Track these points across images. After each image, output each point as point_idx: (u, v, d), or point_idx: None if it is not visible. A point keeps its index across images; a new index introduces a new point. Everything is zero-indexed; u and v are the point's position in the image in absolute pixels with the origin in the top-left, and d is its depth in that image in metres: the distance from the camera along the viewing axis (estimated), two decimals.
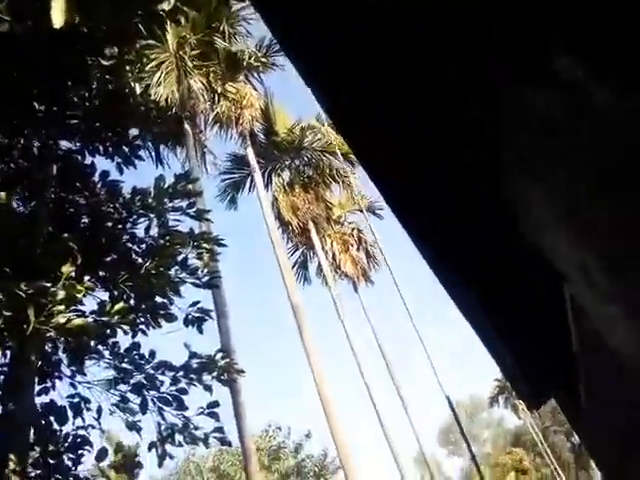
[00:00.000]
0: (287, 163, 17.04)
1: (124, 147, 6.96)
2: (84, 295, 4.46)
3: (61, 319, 4.01)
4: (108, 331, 5.01)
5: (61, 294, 4.15)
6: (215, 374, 6.16)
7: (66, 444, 5.50)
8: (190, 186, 6.99)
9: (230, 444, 6.35)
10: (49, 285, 4.12)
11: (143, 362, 5.88)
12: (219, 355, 6.30)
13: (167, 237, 6.51)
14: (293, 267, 17.13)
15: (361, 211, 19.31)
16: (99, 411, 5.82)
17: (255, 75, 15.36)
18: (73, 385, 6.01)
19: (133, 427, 5.45)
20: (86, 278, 4.57)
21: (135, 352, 5.53)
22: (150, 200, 6.34)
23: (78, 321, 4.19)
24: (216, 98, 13.13)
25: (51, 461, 5.34)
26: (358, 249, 18.31)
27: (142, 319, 5.79)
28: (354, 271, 17.78)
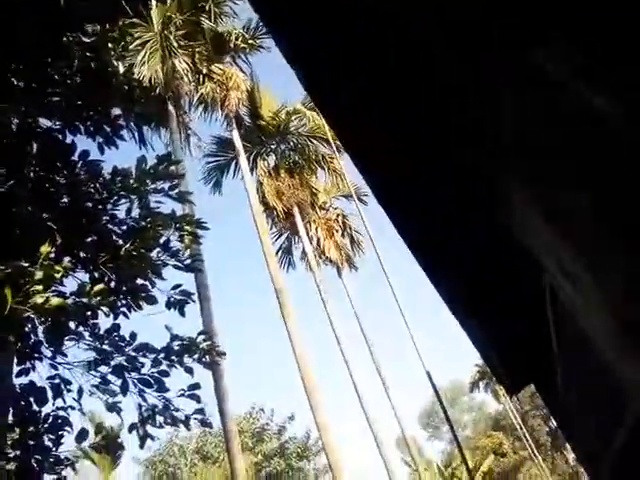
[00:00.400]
0: (273, 147, 16.94)
1: (105, 127, 6.86)
2: (63, 276, 4.41)
3: (39, 299, 3.97)
4: (88, 312, 4.97)
5: (39, 274, 4.10)
6: (196, 356, 6.18)
7: (46, 425, 5.48)
8: (173, 167, 6.92)
9: (211, 426, 6.38)
10: (27, 265, 4.08)
11: (124, 344, 5.86)
12: (201, 337, 6.31)
13: (148, 219, 6.45)
14: (278, 252, 17.14)
15: (346, 197, 19.33)
16: (80, 392, 5.81)
17: (242, 57, 15.20)
18: (53, 366, 5.97)
19: (113, 408, 5.45)
20: (66, 259, 4.53)
21: (115, 334, 5.52)
22: (131, 181, 6.27)
23: (56, 301, 4.15)
24: (201, 79, 12.96)
25: (31, 442, 5.33)
26: (343, 235, 18.35)
27: (123, 301, 5.77)
28: (338, 257, 17.83)
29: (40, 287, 4.02)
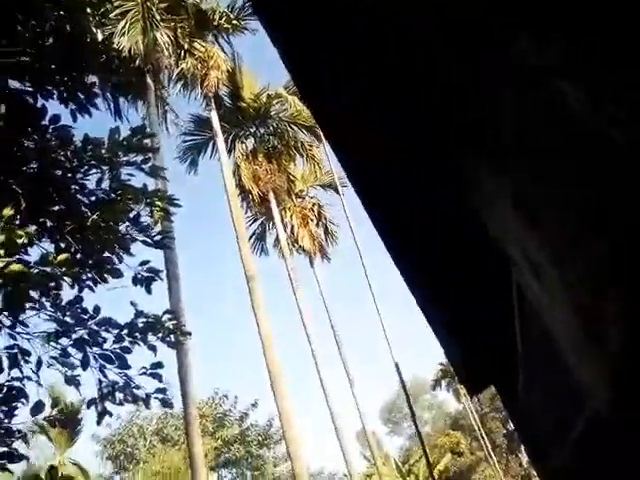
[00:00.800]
0: (252, 130, 16.72)
1: (80, 94, 6.62)
2: (28, 244, 4.22)
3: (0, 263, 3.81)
4: (51, 283, 4.80)
5: (0, 238, 3.93)
6: (161, 335, 6.05)
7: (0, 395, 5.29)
8: (147, 141, 6.74)
9: (172, 406, 6.28)
10: None
11: (86, 317, 5.70)
12: (166, 316, 6.18)
13: (119, 191, 6.27)
14: (251, 237, 16.99)
15: (323, 187, 19.26)
16: (38, 364, 5.63)
17: (224, 37, 14.92)
18: (12, 336, 5.77)
19: (72, 382, 5.29)
20: (33, 228, 4.35)
21: (78, 306, 5.35)
22: (103, 151, 6.08)
23: (17, 267, 3.98)
24: (182, 54, 12.67)
25: None
26: (317, 224, 18.28)
27: (88, 274, 5.59)
28: (311, 246, 17.76)
29: (1, 252, 3.85)
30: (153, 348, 6.11)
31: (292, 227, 17.54)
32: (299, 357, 44.74)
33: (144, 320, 6.08)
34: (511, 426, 43.17)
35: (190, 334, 6.19)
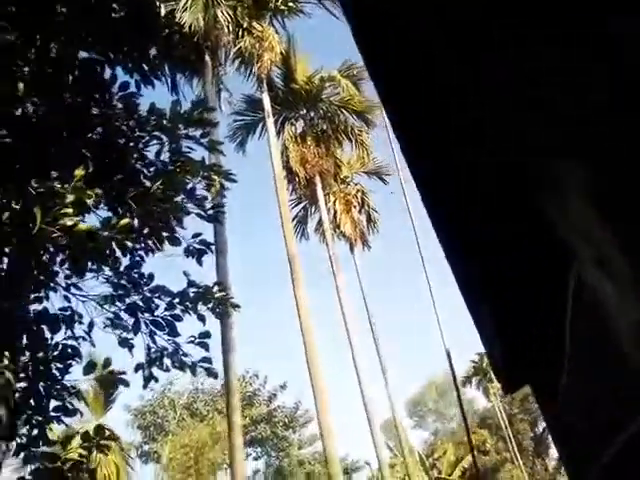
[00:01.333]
0: (302, 113, 16.71)
1: (144, 65, 6.74)
2: (94, 205, 4.34)
3: (68, 222, 3.92)
4: (113, 244, 4.94)
5: (70, 197, 4.05)
6: (211, 305, 6.16)
7: (55, 353, 5.50)
8: (207, 115, 6.83)
9: (216, 375, 6.41)
10: (59, 187, 4.02)
11: (142, 282, 5.85)
12: (216, 288, 6.28)
13: (178, 163, 6.38)
14: (293, 220, 17.05)
15: (368, 174, 19.15)
16: (91, 325, 5.83)
17: (280, 19, 14.91)
18: (67, 298, 5.98)
19: (125, 344, 5.46)
20: (99, 191, 4.47)
21: (136, 271, 5.49)
22: (165, 122, 6.18)
23: (85, 226, 4.11)
24: (240, 33, 12.73)
25: (40, 367, 5.35)
26: (360, 211, 18.22)
27: (148, 240, 5.73)
28: (353, 232, 17.72)
29: (70, 210, 3.97)
30: (202, 318, 6.24)
31: (335, 212, 17.54)
32: (334, 344, 44.88)
33: (195, 290, 6.21)
34: (539, 429, 42.44)
35: (239, 307, 6.29)
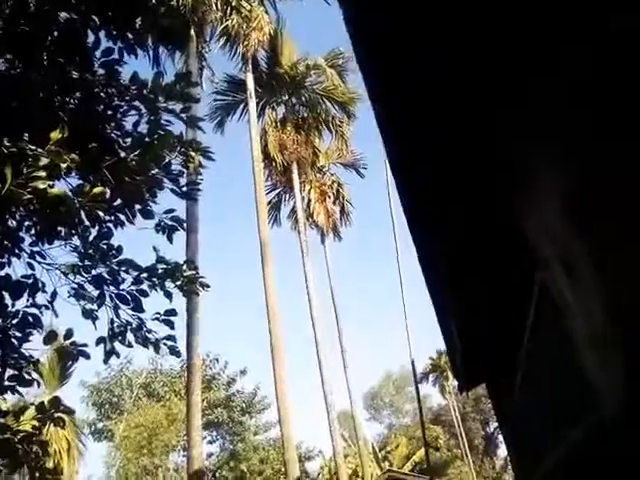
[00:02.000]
0: (284, 99, 16.55)
1: (129, 33, 6.55)
2: (67, 172, 4.19)
3: (40, 185, 3.79)
4: (83, 214, 4.80)
5: (44, 160, 3.91)
6: (179, 283, 6.06)
7: (15, 320, 5.34)
8: (189, 89, 6.69)
9: (179, 354, 6.28)
10: (34, 148, 3.87)
11: (110, 254, 5.72)
12: (186, 266, 6.18)
13: (155, 136, 6.24)
14: (267, 204, 16.92)
15: (345, 166, 19.18)
16: (54, 294, 5.66)
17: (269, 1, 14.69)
18: (31, 266, 5.79)
19: (89, 315, 5.32)
20: (75, 156, 4.30)
21: (105, 242, 5.35)
22: (146, 92, 6.03)
23: (57, 190, 3.97)
24: (228, 11, 12.49)
25: None
26: (334, 202, 18.22)
27: (118, 212, 5.59)
28: (325, 222, 17.73)
29: (43, 174, 3.83)
30: (169, 295, 6.14)
31: (309, 201, 17.49)
32: (300, 335, 44.97)
33: (164, 267, 6.09)
34: (490, 429, 43.63)
35: (209, 286, 6.17)
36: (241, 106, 15.59)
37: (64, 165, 3.93)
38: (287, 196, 18.00)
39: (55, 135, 3.88)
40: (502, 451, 43.54)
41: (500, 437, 44.04)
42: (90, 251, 5.35)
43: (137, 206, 5.55)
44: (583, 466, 3.29)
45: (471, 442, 39.06)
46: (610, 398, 1.88)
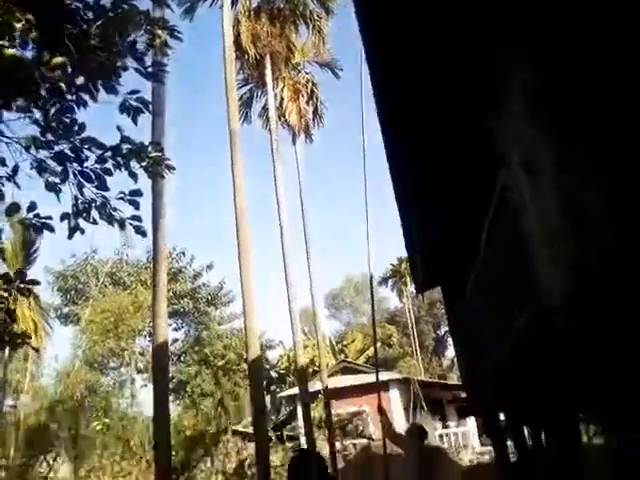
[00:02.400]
0: None
1: None
2: (24, 34, 4.04)
3: None
4: (44, 84, 4.72)
5: None
6: (144, 164, 6.09)
7: None
8: None
9: (145, 234, 6.44)
10: None
11: (73, 130, 5.68)
12: (152, 147, 6.19)
13: (119, 11, 5.97)
14: (239, 100, 16.48)
15: (321, 65, 18.63)
16: (15, 168, 5.66)
17: None
18: None
19: (52, 188, 5.39)
20: (31, 17, 4.13)
21: (68, 115, 5.30)
22: None
23: (12, 52, 3.86)
24: None
25: None
26: (307, 102, 17.86)
27: (82, 91, 5.47)
28: (297, 123, 17.47)
29: None
30: (134, 175, 6.18)
31: (281, 100, 17.11)
32: (267, 234, 45.51)
33: (129, 147, 6.09)
34: (441, 332, 46.67)
35: (174, 168, 6.21)
36: None
37: (18, 25, 3.80)
38: (259, 92, 17.53)
39: None
40: (450, 352, 46.89)
41: (449, 340, 47.29)
42: (52, 124, 5.30)
43: (100, 81, 5.45)
44: (523, 356, 3.68)
45: (422, 343, 41.84)
46: (557, 290, 2.10)
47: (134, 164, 6.08)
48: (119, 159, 6.04)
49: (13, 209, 5.57)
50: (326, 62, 18.47)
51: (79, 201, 6.09)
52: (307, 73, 18.32)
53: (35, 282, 6.67)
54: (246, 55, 15.04)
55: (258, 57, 15.14)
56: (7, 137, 5.72)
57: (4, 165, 5.75)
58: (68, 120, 5.39)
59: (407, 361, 36.95)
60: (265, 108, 17.17)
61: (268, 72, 15.34)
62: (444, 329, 44.75)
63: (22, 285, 5.97)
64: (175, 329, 31.37)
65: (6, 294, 6.22)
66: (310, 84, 17.91)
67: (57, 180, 5.50)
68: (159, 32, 6.39)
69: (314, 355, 24.80)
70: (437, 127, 3.71)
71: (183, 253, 29.78)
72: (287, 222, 15.33)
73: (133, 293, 24.58)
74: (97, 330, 21.98)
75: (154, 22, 6.41)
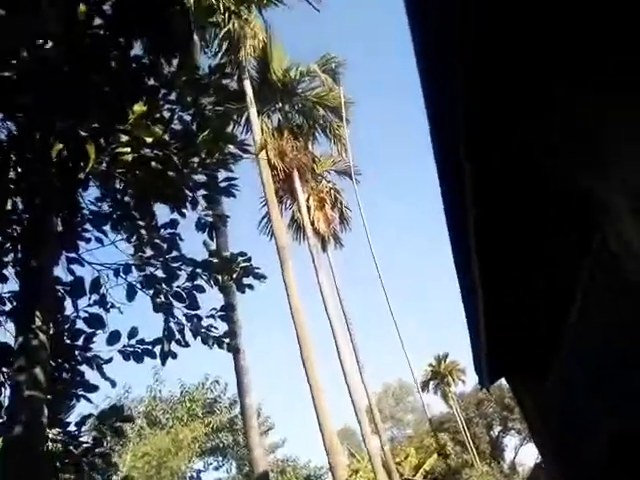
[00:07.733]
0: (277, 107, 16.47)
1: None
2: (153, 143, 3.95)
3: (128, 157, 3.58)
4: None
5: (124, 137, 3.70)
6: (235, 275, 5.81)
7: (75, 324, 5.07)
8: (226, 81, 6.54)
9: (238, 351, 6.06)
10: (114, 123, 3.67)
11: (163, 250, 5.48)
12: (240, 258, 5.94)
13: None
14: (263, 218, 16.70)
15: (339, 173, 19.16)
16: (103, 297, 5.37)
17: (257, 8, 14.67)
18: (70, 271, 5.47)
19: (161, 309, 5.06)
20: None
21: (172, 230, 5.12)
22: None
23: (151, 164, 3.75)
24: (227, 16, 12.37)
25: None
26: (332, 208, 18.11)
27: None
28: (326, 230, 17.58)
29: (127, 149, 3.63)
30: (225, 289, 5.89)
31: (308, 209, 17.33)
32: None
33: (218, 260, 5.83)
34: (495, 433, 43.41)
35: (265, 277, 5.90)
36: (234, 115, 15.39)
37: (150, 139, 3.70)
38: (288, 202, 17.81)
39: (139, 109, 3.64)
40: (507, 455, 43.50)
41: (504, 441, 43.93)
42: (157, 240, 5.10)
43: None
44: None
45: (477, 447, 38.85)
46: None
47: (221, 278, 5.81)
48: (210, 274, 5.79)
49: (115, 338, 5.18)
50: (343, 170, 19.02)
51: (170, 323, 5.74)
52: (328, 182, 18.78)
53: (130, 419, 6.09)
54: (275, 170, 15.43)
55: (287, 170, 15.54)
56: (98, 264, 5.49)
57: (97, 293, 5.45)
58: (168, 236, 5.20)
59: (466, 474, 33.94)
60: (293, 219, 17.35)
61: (297, 184, 15.68)
62: (497, 429, 41.89)
63: (117, 424, 5.37)
64: (215, 468, 29.25)
65: (99, 435, 5.57)
66: (333, 191, 18.28)
67: (167, 300, 5.20)
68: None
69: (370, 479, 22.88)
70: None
71: (217, 382, 28.56)
72: (343, 342, 14.70)
73: (171, 432, 23.22)
74: (140, 477, 20.45)
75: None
